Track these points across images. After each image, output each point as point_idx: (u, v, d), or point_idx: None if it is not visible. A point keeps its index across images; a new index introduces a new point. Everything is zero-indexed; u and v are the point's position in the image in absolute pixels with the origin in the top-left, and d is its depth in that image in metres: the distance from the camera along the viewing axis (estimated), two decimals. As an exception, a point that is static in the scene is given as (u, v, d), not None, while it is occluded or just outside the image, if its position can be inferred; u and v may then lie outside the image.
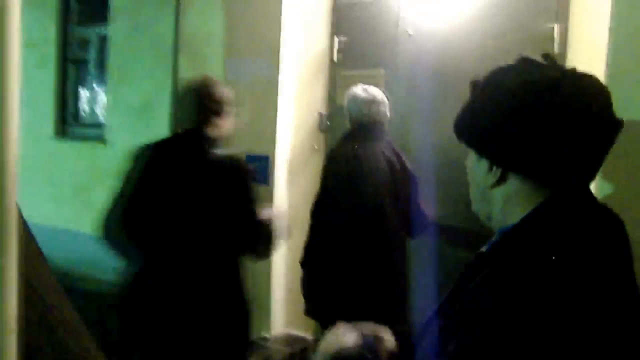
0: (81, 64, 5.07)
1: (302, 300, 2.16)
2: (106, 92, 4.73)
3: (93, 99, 5.04)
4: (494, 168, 0.76)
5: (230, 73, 2.62)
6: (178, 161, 1.83)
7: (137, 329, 1.84)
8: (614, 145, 0.74)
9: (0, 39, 1.01)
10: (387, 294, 2.00)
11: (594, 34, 1.87)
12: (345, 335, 0.93)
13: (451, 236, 2.31)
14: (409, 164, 2.09)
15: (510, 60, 0.78)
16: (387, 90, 2.27)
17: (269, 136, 2.64)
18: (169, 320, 1.75)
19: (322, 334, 2.23)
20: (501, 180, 0.75)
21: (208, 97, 1.81)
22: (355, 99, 2.12)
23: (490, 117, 0.74)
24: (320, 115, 2.80)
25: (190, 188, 1.79)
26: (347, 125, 2.16)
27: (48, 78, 5.05)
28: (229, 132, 1.89)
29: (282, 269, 2.75)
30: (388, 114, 2.14)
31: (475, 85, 0.79)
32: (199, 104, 1.81)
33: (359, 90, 2.13)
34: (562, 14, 2.19)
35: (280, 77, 2.61)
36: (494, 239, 0.81)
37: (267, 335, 2.66)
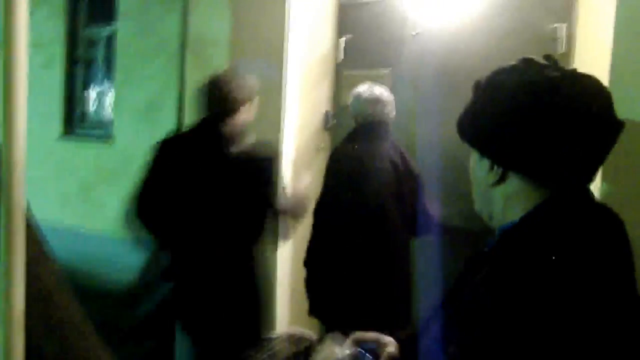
0: (88, 63, 5.11)
1: (307, 299, 2.17)
2: (113, 92, 4.77)
3: (100, 99, 5.07)
4: (495, 167, 0.77)
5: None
6: (199, 152, 1.86)
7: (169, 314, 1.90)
8: (618, 145, 0.74)
9: (8, 39, 1.03)
10: (390, 294, 1.98)
11: (599, 33, 1.86)
12: (339, 347, 0.95)
13: (456, 236, 2.30)
14: (413, 164, 2.06)
15: (515, 60, 0.78)
16: (392, 90, 2.25)
17: (274, 135, 2.65)
18: (196, 308, 1.82)
19: (324, 335, 2.23)
20: (501, 179, 0.76)
21: (229, 90, 1.85)
22: (359, 97, 2.10)
23: (491, 117, 0.76)
24: (326, 114, 2.81)
25: (211, 178, 1.83)
26: (352, 124, 2.15)
27: (55, 78, 5.09)
28: (249, 124, 1.92)
29: (287, 268, 2.76)
30: (393, 113, 2.12)
31: (477, 85, 0.81)
32: (220, 97, 1.85)
33: (364, 88, 2.10)
34: (567, 13, 2.17)
35: (286, 77, 2.62)
36: (494, 237, 0.82)
37: (271, 334, 2.67)
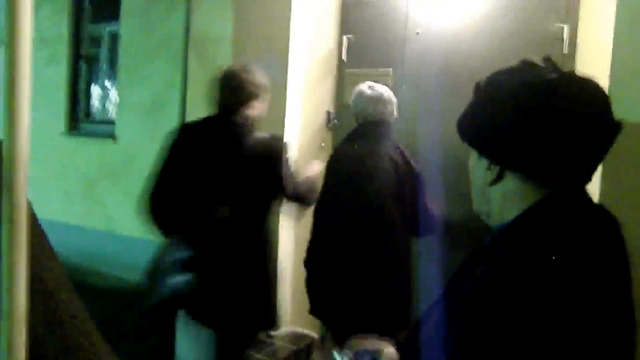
0: (92, 61, 5.12)
1: (307, 298, 2.16)
2: (117, 90, 4.78)
3: (104, 96, 5.09)
4: (492, 166, 0.78)
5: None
6: (213, 141, 1.90)
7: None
8: (618, 146, 0.75)
9: (12, 35, 1.03)
10: (390, 294, 1.97)
11: (602, 34, 1.86)
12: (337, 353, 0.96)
13: (457, 236, 2.30)
14: (414, 164, 2.02)
15: (516, 61, 0.79)
16: (395, 90, 2.25)
17: (277, 134, 2.65)
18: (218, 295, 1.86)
19: (327, 333, 2.23)
20: (499, 178, 0.78)
21: (242, 81, 1.90)
22: (361, 96, 2.07)
23: (489, 117, 0.77)
24: (328, 113, 2.81)
25: (225, 166, 1.88)
26: (354, 123, 2.14)
27: (60, 75, 5.10)
28: (261, 116, 1.98)
29: (289, 266, 2.76)
30: (395, 112, 2.09)
31: (477, 86, 0.82)
32: (233, 88, 1.90)
33: (365, 87, 2.08)
34: (571, 14, 2.17)
35: (289, 76, 2.62)
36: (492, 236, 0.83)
37: (273, 333, 2.67)
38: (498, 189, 0.79)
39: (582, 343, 0.65)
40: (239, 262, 1.88)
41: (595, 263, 0.69)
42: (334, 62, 2.81)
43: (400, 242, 2.00)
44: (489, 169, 0.79)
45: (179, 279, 1.82)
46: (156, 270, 1.87)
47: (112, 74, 4.90)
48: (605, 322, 0.67)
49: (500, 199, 0.79)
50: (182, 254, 1.83)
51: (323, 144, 2.44)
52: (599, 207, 0.76)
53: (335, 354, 1.00)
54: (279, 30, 2.57)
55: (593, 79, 0.75)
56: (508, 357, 0.65)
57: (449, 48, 2.45)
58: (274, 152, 1.91)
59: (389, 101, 2.06)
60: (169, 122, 4.20)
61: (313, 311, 2.13)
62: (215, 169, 1.90)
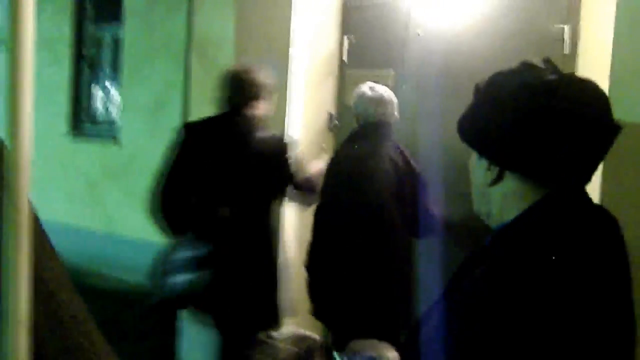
0: (94, 62, 5.14)
1: (309, 300, 2.16)
2: (118, 91, 4.79)
3: (106, 98, 5.10)
4: (492, 167, 0.79)
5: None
6: (221, 140, 1.94)
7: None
8: (618, 146, 0.76)
9: (14, 37, 1.03)
10: (391, 295, 1.96)
11: (603, 35, 1.85)
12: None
13: (459, 237, 2.29)
14: (415, 165, 2.02)
15: (520, 61, 0.80)
16: (396, 91, 2.24)
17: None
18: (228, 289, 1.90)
19: (328, 335, 2.23)
20: (498, 178, 0.78)
21: (249, 81, 1.95)
22: (361, 97, 2.07)
23: (489, 118, 0.77)
24: (330, 115, 2.81)
25: (233, 166, 1.91)
26: (355, 124, 2.14)
27: (62, 76, 5.12)
28: (268, 114, 2.02)
29: (290, 268, 2.76)
30: (396, 113, 2.09)
31: (477, 88, 0.83)
32: (240, 88, 1.94)
33: (366, 88, 2.07)
34: (572, 15, 2.17)
35: (290, 77, 2.62)
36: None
37: (274, 334, 2.67)
38: (498, 189, 0.79)
39: (582, 342, 0.65)
40: (249, 258, 1.92)
41: (595, 263, 0.70)
42: (334, 63, 2.81)
43: (401, 243, 1.99)
44: (488, 169, 0.79)
45: (191, 277, 1.85)
46: (166, 268, 1.89)
47: (114, 75, 4.91)
48: (604, 322, 0.67)
49: (500, 199, 0.80)
50: (194, 251, 1.86)
51: (324, 145, 2.44)
52: (599, 207, 0.77)
53: (336, 356, 1.01)
54: (280, 31, 2.58)
55: (592, 80, 0.76)
56: (508, 356, 0.65)
57: (450, 49, 2.45)
58: (280, 150, 1.95)
59: (390, 102, 2.05)
60: (171, 123, 4.19)
61: (314, 313, 2.13)
62: (224, 167, 1.93)
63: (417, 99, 2.55)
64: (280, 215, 2.07)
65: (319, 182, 2.06)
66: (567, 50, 2.16)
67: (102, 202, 4.77)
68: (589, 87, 0.75)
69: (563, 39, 2.17)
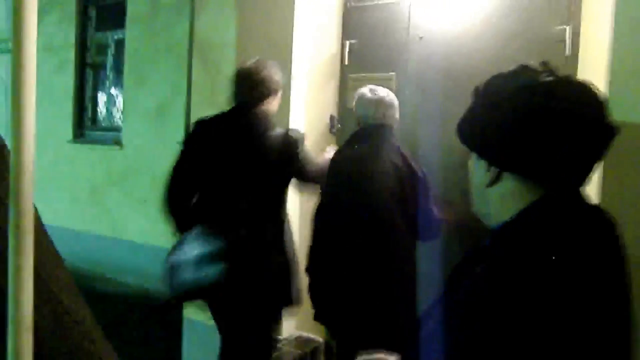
0: (99, 68, 5.18)
1: (311, 304, 2.14)
2: (123, 96, 4.82)
3: (110, 103, 5.13)
4: (490, 168, 0.80)
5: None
6: (232, 136, 1.97)
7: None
8: (618, 146, 0.77)
9: (17, 44, 1.05)
10: (392, 296, 1.94)
11: (604, 35, 1.85)
12: None
13: (462, 239, 2.28)
14: (417, 167, 1.99)
15: (521, 62, 0.81)
16: (397, 93, 2.24)
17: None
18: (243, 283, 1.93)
19: (332, 341, 2.22)
20: (497, 179, 0.79)
21: (260, 78, 1.98)
22: (361, 99, 2.06)
23: (487, 120, 0.79)
24: (332, 118, 2.81)
25: (246, 161, 1.95)
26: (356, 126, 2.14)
27: (67, 82, 5.16)
28: (276, 111, 2.07)
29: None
30: (396, 116, 2.07)
31: (475, 90, 0.84)
32: (251, 84, 1.98)
33: (367, 90, 2.07)
34: (573, 16, 2.16)
35: (292, 81, 2.63)
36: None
37: (278, 337, 2.67)
38: (496, 190, 0.80)
39: (579, 341, 0.66)
40: (263, 250, 1.96)
41: (592, 262, 0.70)
42: (336, 66, 2.82)
43: (402, 244, 1.97)
44: (487, 170, 0.80)
45: (209, 270, 1.87)
46: (181, 262, 1.91)
47: (118, 81, 4.95)
48: (601, 320, 0.68)
49: (498, 199, 0.81)
50: (210, 245, 1.88)
51: (327, 149, 2.44)
52: (596, 208, 0.78)
53: None
54: (282, 35, 2.59)
55: (589, 83, 0.77)
56: (507, 354, 0.66)
57: (451, 51, 2.45)
58: (290, 144, 1.98)
59: (390, 105, 2.04)
60: (175, 128, 4.23)
61: (316, 316, 2.12)
62: (238, 162, 1.96)
63: (419, 102, 2.56)
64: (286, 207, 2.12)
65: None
66: (568, 52, 2.16)
67: (106, 207, 4.79)
68: (586, 89, 0.76)
69: (564, 40, 2.16)
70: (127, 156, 4.64)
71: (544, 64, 0.80)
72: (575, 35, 2.15)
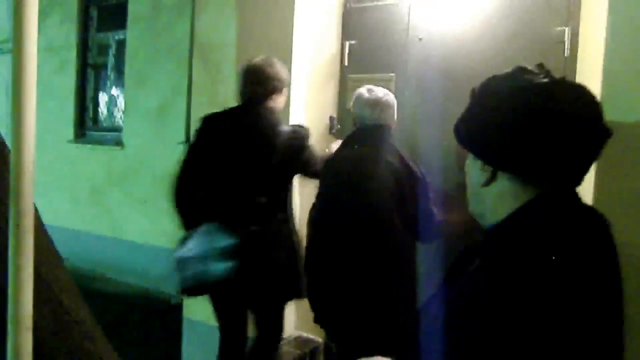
0: (100, 68, 5.19)
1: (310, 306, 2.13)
2: (124, 97, 4.83)
3: (111, 103, 5.15)
4: (486, 167, 0.81)
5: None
6: (241, 132, 2.01)
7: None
8: (613, 146, 0.78)
9: (18, 45, 1.05)
10: (391, 297, 1.92)
11: (603, 36, 1.86)
12: None
13: (462, 241, 2.27)
14: (416, 168, 1.97)
15: (520, 64, 0.83)
16: (397, 94, 2.24)
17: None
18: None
19: (332, 344, 2.23)
20: (492, 179, 0.81)
21: (268, 75, 2.03)
22: (358, 99, 2.04)
23: (483, 120, 0.80)
24: (331, 118, 2.82)
25: (252, 155, 1.99)
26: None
27: (68, 82, 5.17)
28: (283, 107, 2.13)
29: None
30: (393, 117, 2.05)
31: (472, 91, 0.85)
32: (259, 81, 2.02)
33: (364, 90, 2.04)
34: (572, 17, 2.17)
35: (292, 81, 2.63)
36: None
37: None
38: (491, 189, 0.81)
39: (570, 337, 0.67)
40: (277, 242, 2.02)
41: (586, 261, 0.71)
42: (336, 67, 2.83)
43: (401, 244, 1.95)
44: (482, 170, 0.82)
45: (226, 265, 1.91)
46: (192, 257, 1.94)
47: (119, 81, 4.96)
48: (593, 318, 0.69)
49: (493, 199, 0.82)
50: (223, 241, 1.92)
51: (327, 150, 2.44)
52: (589, 208, 0.79)
53: None
54: (282, 36, 2.60)
55: (584, 85, 0.78)
56: (502, 351, 0.67)
57: (451, 52, 2.46)
58: (298, 140, 2.04)
59: (387, 105, 2.01)
60: (175, 128, 4.24)
61: (317, 320, 2.10)
62: (246, 158, 2.00)
63: (418, 103, 2.56)
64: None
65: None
66: (567, 53, 2.16)
67: (106, 207, 4.80)
68: (581, 91, 0.77)
69: (563, 41, 2.17)
70: (128, 156, 4.65)
71: (540, 65, 0.81)
72: (574, 36, 2.15)
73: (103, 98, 5.21)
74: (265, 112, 2.02)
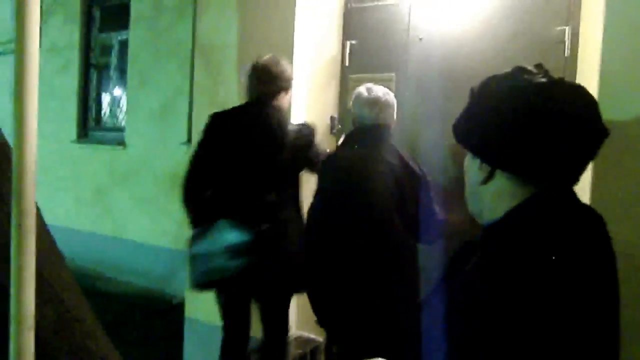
0: (103, 68, 5.21)
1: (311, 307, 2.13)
2: (126, 97, 4.85)
3: (114, 103, 5.16)
4: (484, 166, 0.82)
5: (245, 78, 2.68)
6: (251, 129, 2.05)
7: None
8: (610, 146, 0.78)
9: (20, 45, 1.06)
10: (392, 297, 1.89)
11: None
12: None
13: (462, 238, 2.26)
14: (416, 168, 1.95)
15: (521, 63, 0.83)
16: (398, 94, 2.24)
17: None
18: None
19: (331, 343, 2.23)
20: (489, 177, 0.81)
21: (278, 73, 2.08)
22: (357, 99, 2.01)
23: (481, 119, 0.81)
24: (332, 118, 2.82)
25: (262, 151, 2.04)
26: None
27: (71, 82, 5.19)
28: (289, 104, 2.19)
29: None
30: (393, 116, 2.02)
31: (471, 90, 0.86)
32: (269, 79, 2.07)
33: (363, 90, 2.02)
34: (573, 17, 2.16)
35: (293, 82, 2.64)
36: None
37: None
38: (489, 188, 0.82)
39: (567, 334, 0.67)
40: (288, 237, 2.06)
41: (582, 258, 0.72)
42: (337, 67, 2.83)
43: (403, 246, 1.93)
44: (480, 168, 0.82)
45: (241, 261, 1.95)
46: (208, 253, 1.97)
47: (122, 82, 4.97)
48: (589, 315, 0.69)
49: (491, 197, 0.82)
50: (239, 237, 1.96)
51: (328, 150, 2.45)
52: (586, 206, 0.80)
53: None
54: (283, 36, 2.61)
55: (582, 85, 0.79)
56: (501, 348, 0.67)
57: (451, 52, 2.46)
58: (306, 136, 2.09)
59: (386, 104, 1.98)
60: (177, 128, 4.26)
61: (319, 321, 2.09)
62: (257, 154, 2.04)
63: (419, 102, 2.56)
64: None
65: None
66: (567, 52, 2.16)
67: (109, 207, 4.82)
68: (579, 91, 0.78)
69: (564, 41, 2.16)
70: (130, 156, 4.67)
71: (539, 65, 0.81)
72: (575, 36, 2.15)
73: (105, 98, 5.23)
74: (273, 110, 2.06)
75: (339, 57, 2.82)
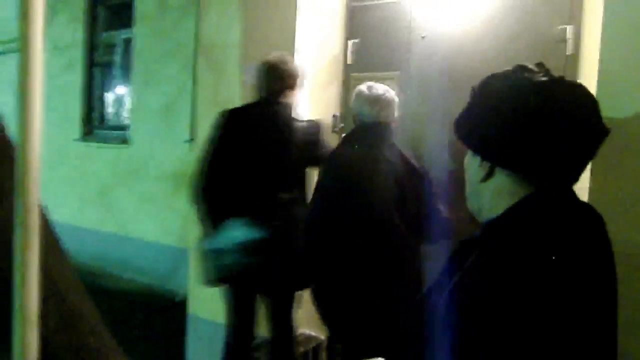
0: (107, 67, 5.23)
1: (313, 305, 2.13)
2: (130, 95, 4.86)
3: (118, 102, 5.18)
4: (484, 163, 0.82)
5: (247, 77, 2.68)
6: (263, 125, 2.09)
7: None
8: (608, 145, 0.78)
9: (24, 43, 1.07)
10: (392, 297, 1.87)
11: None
12: None
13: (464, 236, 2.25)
14: (418, 166, 1.94)
15: (523, 62, 0.84)
16: (400, 93, 2.24)
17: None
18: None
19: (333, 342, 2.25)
20: (489, 174, 0.82)
21: (288, 71, 2.12)
22: (358, 97, 2.00)
23: (482, 116, 0.81)
24: (335, 117, 2.83)
25: (276, 148, 2.08)
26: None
27: (75, 81, 5.21)
28: (299, 101, 2.22)
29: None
30: (394, 115, 2.00)
31: (473, 89, 0.87)
32: (280, 76, 2.11)
33: (364, 88, 2.00)
34: (575, 15, 2.16)
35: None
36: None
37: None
38: (489, 185, 0.83)
39: (566, 331, 0.68)
40: (297, 234, 2.07)
41: (581, 256, 0.72)
42: (339, 66, 2.84)
43: (405, 246, 1.91)
44: (480, 166, 0.83)
45: (252, 259, 1.99)
46: (224, 248, 2.01)
47: (126, 80, 4.99)
48: (588, 313, 0.70)
49: (491, 195, 0.83)
50: (254, 233, 2.00)
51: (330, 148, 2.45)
52: (585, 204, 0.80)
53: None
54: (285, 35, 2.61)
55: (582, 84, 0.79)
56: (501, 345, 0.68)
57: (454, 51, 2.46)
58: (316, 133, 2.13)
59: (388, 103, 1.96)
60: (181, 127, 4.27)
61: (323, 321, 2.09)
62: (270, 151, 2.08)
63: (422, 102, 2.56)
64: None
65: None
66: (569, 51, 2.15)
67: (113, 205, 4.84)
68: (580, 90, 0.78)
69: (566, 39, 2.16)
70: (134, 154, 4.69)
71: (540, 64, 0.81)
72: (577, 34, 2.15)
73: (110, 97, 5.25)
74: (283, 107, 2.10)
75: (341, 56, 2.82)
